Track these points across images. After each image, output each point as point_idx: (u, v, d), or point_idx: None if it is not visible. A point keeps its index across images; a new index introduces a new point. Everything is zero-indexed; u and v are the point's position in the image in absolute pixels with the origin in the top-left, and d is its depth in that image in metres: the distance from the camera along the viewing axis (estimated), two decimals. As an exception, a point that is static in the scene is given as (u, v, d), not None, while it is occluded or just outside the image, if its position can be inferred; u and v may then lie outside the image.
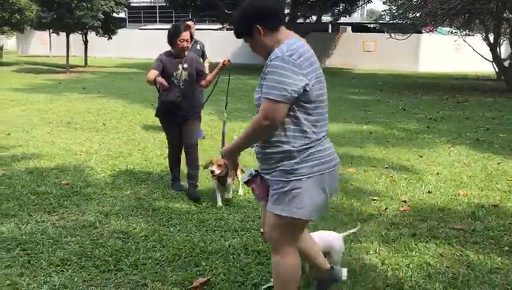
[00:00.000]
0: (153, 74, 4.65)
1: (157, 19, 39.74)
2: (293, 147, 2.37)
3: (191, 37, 6.91)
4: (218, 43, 32.07)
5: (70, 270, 3.24)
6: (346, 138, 7.95)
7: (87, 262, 3.37)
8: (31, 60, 28.73)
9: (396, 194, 5.05)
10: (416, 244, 3.79)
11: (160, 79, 4.58)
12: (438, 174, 5.85)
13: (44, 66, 24.54)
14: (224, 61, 4.69)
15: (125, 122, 9.13)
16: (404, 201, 4.83)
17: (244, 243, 3.73)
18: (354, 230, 3.44)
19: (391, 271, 3.36)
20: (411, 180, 5.56)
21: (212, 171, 4.45)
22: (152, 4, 41.34)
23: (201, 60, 7.09)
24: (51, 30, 23.08)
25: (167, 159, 5.31)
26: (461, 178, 5.69)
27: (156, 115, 5.09)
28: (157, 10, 39.78)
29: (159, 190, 5.00)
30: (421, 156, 6.73)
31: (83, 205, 4.54)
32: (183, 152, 5.07)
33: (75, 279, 3.13)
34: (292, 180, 2.37)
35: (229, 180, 4.64)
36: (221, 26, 30.71)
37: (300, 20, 26.02)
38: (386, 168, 6.08)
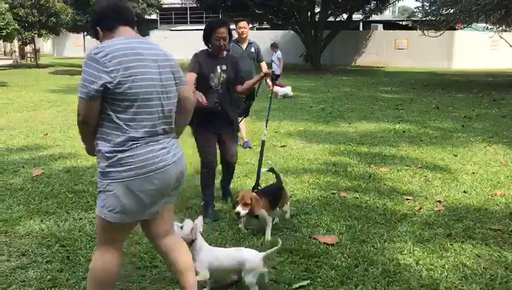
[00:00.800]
0: (190, 76, 4.14)
1: (188, 20, 40.17)
2: (106, 147, 2.32)
3: (242, 38, 6.70)
4: (248, 43, 32.20)
5: (107, 267, 3.32)
6: (379, 137, 7.86)
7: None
8: (65, 62, 29.51)
9: (430, 194, 4.97)
10: (452, 245, 3.72)
11: (199, 96, 3.98)
12: (474, 173, 5.72)
13: (78, 68, 25.13)
14: (267, 71, 4.37)
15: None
16: (439, 201, 4.74)
17: (276, 241, 3.73)
18: (275, 249, 3.03)
19: (426, 271, 3.31)
20: (446, 180, 5.46)
21: (238, 213, 3.68)
22: (183, 5, 41.78)
23: (255, 62, 6.90)
24: (85, 32, 23.65)
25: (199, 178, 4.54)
26: (498, 178, 5.55)
27: (191, 126, 4.20)
28: (188, 11, 40.21)
29: (190, 189, 5.05)
30: (455, 155, 6.60)
31: (119, 203, 4.64)
32: None
33: (112, 275, 3.21)
34: (104, 182, 2.33)
35: (261, 210, 3.79)
36: (251, 25, 30.78)
37: (330, 19, 25.82)
38: (420, 167, 5.98)
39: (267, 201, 3.85)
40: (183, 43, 31.37)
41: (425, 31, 18.74)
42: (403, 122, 9.33)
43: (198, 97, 3.92)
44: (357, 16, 27.24)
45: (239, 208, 3.64)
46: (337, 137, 7.88)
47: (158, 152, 2.40)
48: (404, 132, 8.37)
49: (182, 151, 2.59)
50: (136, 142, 2.34)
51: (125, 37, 2.42)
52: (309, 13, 24.61)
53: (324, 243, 3.73)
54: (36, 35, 22.88)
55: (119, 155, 2.31)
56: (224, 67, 4.24)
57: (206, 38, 4.23)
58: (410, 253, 3.59)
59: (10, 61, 29.92)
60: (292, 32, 27.88)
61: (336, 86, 16.17)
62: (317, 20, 24.88)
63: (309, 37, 24.79)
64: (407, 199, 4.79)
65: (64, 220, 4.18)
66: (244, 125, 7.09)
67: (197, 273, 2.79)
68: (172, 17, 40.89)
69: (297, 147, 7.13)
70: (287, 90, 13.61)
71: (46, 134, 7.96)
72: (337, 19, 26.54)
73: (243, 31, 6.71)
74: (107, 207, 2.35)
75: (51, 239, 3.77)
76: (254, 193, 3.83)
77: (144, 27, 24.30)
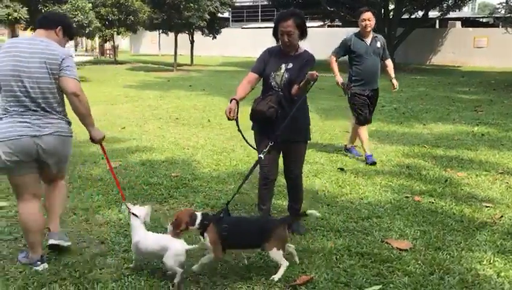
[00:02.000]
0: (248, 77, 3.79)
1: (259, 18, 40.47)
2: None
3: (366, 31, 5.86)
4: (318, 40, 31.93)
5: (180, 259, 3.42)
6: (456, 140, 7.50)
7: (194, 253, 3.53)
8: (141, 59, 30.74)
9: (513, 202, 4.67)
10: (538, 258, 3.48)
11: (231, 108, 3.57)
12: None
13: (154, 65, 26.12)
14: (314, 74, 3.48)
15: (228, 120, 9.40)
16: (523, 210, 4.45)
17: (347, 244, 3.67)
18: (196, 246, 3.17)
19: (508, 285, 3.11)
20: (530, 188, 5.11)
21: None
22: (254, 3, 42.15)
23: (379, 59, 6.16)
24: (161, 30, 24.51)
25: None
26: None
27: (252, 128, 3.95)
28: (260, 9, 40.50)
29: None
30: (542, 162, 6.16)
31: (191, 197, 4.77)
32: None
33: (185, 267, 3.30)
34: None
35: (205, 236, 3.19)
36: (322, 23, 30.48)
37: (405, 16, 24.97)
38: (501, 173, 5.65)
39: (217, 232, 3.12)
40: (253, 41, 31.69)
41: (508, 29, 17.64)
42: (482, 125, 8.84)
43: (229, 110, 3.54)
44: (433, 13, 26.14)
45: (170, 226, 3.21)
46: (411, 138, 7.61)
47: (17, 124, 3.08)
48: (483, 134, 7.93)
49: (59, 128, 3.22)
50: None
51: (20, 38, 3.44)
52: (382, 10, 23.93)
53: (397, 248, 3.62)
54: (115, 32, 24.03)
55: None
56: (290, 65, 3.71)
57: (275, 33, 3.76)
58: (490, 264, 3.40)
59: (91, 58, 31.68)
60: (365, 29, 27.23)
61: (409, 86, 15.61)
62: (391, 17, 24.15)
63: (382, 34, 24.02)
64: (487, 206, 4.53)
65: (140, 211, 4.34)
66: (364, 133, 6.23)
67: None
68: (244, 15, 41.38)
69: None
70: None
71: (124, 128, 8.33)
72: (412, 16, 25.62)
73: (366, 24, 5.86)
74: None
75: (128, 229, 3.92)
76: (191, 212, 3.23)
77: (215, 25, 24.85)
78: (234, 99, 3.61)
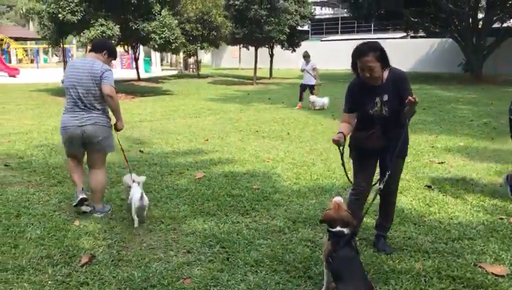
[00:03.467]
0: (343, 124, 3.67)
1: (339, 30, 40.19)
2: None
3: None
4: (400, 51, 31.04)
5: (263, 272, 3.44)
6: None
7: (278, 266, 3.54)
8: (223, 73, 31.61)
9: None
10: None
11: (339, 139, 3.50)
12: None
13: (234, 78, 26.75)
14: (410, 100, 3.28)
15: (307, 132, 9.40)
16: None
17: (436, 266, 3.50)
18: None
19: None
20: None
21: None
22: (334, 16, 41.94)
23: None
24: (241, 45, 25.09)
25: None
26: None
27: (349, 145, 3.79)
28: (339, 21, 40.23)
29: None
30: None
31: (272, 210, 4.79)
32: None
33: (268, 281, 3.32)
34: None
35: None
36: (404, 34, 29.66)
37: (496, 25, 23.61)
38: None
39: None
40: (332, 53, 31.48)
41: None
42: None
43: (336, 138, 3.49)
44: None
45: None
46: (504, 156, 7.13)
47: (65, 119, 4.56)
48: None
49: (97, 120, 4.51)
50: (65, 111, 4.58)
51: (80, 58, 5.01)
52: (470, 19, 22.81)
53: (492, 273, 3.39)
54: (199, 47, 24.92)
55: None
56: (385, 97, 3.51)
57: (354, 67, 3.56)
58: None
59: (175, 72, 33.08)
60: (450, 40, 26.16)
61: (500, 99, 14.67)
62: (480, 26, 22.94)
63: (470, 45, 22.95)
64: None
65: (223, 222, 4.44)
66: None
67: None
68: (324, 28, 41.28)
69: (457, 165, 6.62)
70: (325, 101, 13.44)
71: (207, 140, 8.58)
72: (503, 25, 24.16)
73: None
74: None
75: (213, 239, 4.03)
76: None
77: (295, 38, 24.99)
78: (342, 133, 3.55)
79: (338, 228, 3.04)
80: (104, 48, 4.65)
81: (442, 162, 6.71)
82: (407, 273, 3.40)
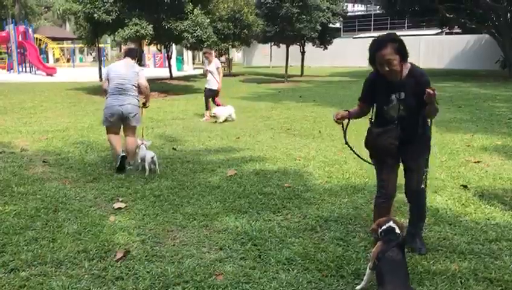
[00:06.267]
0: (357, 108, 3.78)
1: (372, 27, 39.68)
2: None
3: None
4: (435, 48, 30.37)
5: (295, 270, 3.44)
6: None
7: (310, 264, 3.52)
8: (254, 71, 31.66)
9: None
10: None
11: (342, 115, 3.71)
12: None
13: (265, 76, 26.76)
14: (429, 93, 3.18)
15: (339, 131, 9.25)
16: None
17: (473, 267, 3.42)
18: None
19: None
20: None
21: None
22: (367, 12, 41.39)
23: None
24: (272, 43, 25.07)
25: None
26: None
27: (366, 145, 3.77)
28: (372, 18, 39.73)
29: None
30: None
31: (304, 209, 4.78)
32: None
33: (300, 279, 3.31)
34: None
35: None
36: (439, 30, 29.01)
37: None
38: None
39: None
40: (364, 50, 31.15)
41: None
42: None
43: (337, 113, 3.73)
44: None
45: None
46: (544, 155, 6.90)
47: (111, 102, 6.23)
48: None
49: (132, 102, 6.22)
50: (109, 96, 6.28)
51: (120, 61, 6.64)
52: (509, 15, 22.12)
53: (531, 276, 3.29)
54: (230, 46, 25.04)
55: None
56: (402, 95, 3.40)
57: (372, 62, 3.43)
58: None
59: (207, 70, 33.26)
60: (487, 36, 25.45)
61: (540, 96, 14.22)
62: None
63: (508, 41, 22.27)
64: None
65: (255, 219, 4.46)
66: None
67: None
68: (356, 25, 40.81)
69: (494, 164, 6.44)
70: (230, 111, 10.82)
71: (238, 137, 8.62)
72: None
73: None
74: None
75: (244, 237, 4.05)
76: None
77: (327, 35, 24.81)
78: (348, 111, 3.75)
79: (390, 223, 3.02)
80: (135, 55, 6.80)
81: (478, 162, 6.54)
82: (443, 274, 3.33)
